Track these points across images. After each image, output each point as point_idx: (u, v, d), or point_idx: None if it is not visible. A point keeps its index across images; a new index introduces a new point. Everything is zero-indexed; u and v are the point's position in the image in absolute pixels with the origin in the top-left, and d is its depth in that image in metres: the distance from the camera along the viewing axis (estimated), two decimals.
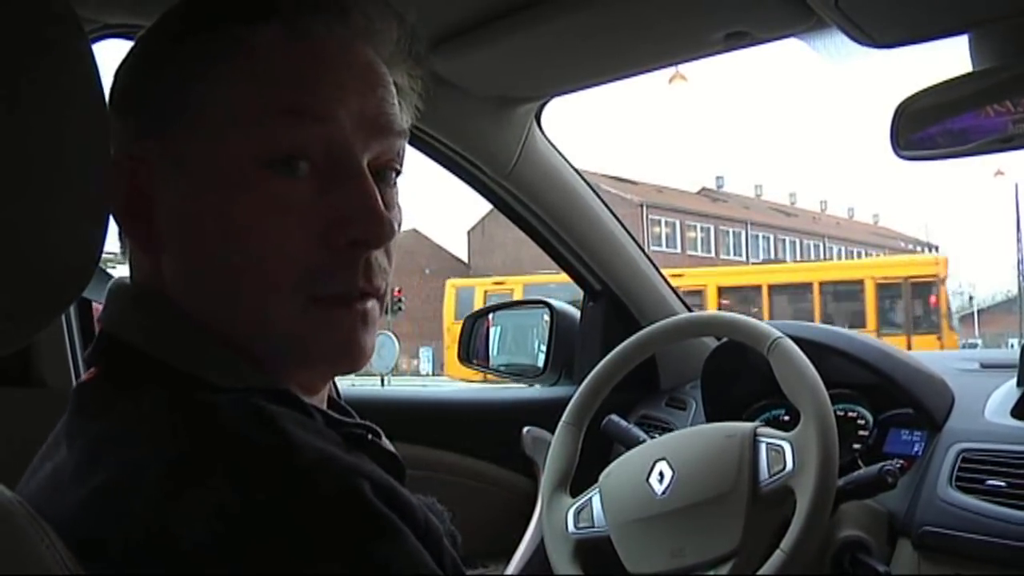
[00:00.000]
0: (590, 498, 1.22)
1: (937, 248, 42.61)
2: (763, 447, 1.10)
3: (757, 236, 35.11)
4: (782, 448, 1.08)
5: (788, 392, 1.13)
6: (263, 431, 0.54)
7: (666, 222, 32.03)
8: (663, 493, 1.13)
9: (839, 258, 37.82)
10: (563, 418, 1.32)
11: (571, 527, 1.21)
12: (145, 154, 0.61)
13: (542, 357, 1.83)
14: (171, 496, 0.51)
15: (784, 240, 36.13)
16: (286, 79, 0.59)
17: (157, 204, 0.61)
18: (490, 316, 1.95)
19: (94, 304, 1.37)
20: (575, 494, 1.26)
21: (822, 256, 36.89)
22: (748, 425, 1.14)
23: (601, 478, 1.23)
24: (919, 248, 41.67)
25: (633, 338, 1.33)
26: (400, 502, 0.55)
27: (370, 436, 0.63)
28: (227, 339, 0.61)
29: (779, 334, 1.16)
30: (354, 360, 0.62)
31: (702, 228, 33.30)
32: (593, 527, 1.20)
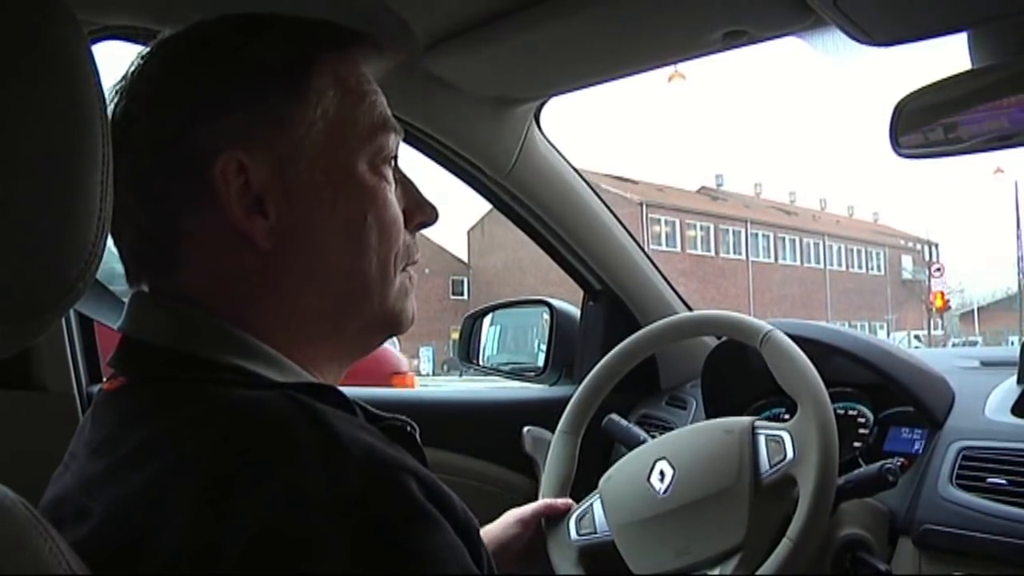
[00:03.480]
0: (591, 504, 1.21)
1: (937, 246, 42.56)
2: (762, 439, 1.10)
3: (757, 234, 35.10)
4: (781, 438, 1.08)
5: (783, 383, 1.13)
6: (307, 425, 0.55)
7: (666, 221, 32.00)
8: (665, 492, 1.13)
9: (839, 256, 37.83)
10: (559, 427, 1.32)
11: (573, 534, 1.20)
12: (257, 155, 0.64)
13: (542, 356, 1.83)
14: (217, 489, 0.52)
15: (784, 238, 36.13)
16: (373, 100, 0.71)
17: (274, 200, 0.65)
18: (489, 315, 1.95)
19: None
20: (575, 500, 1.26)
21: (822, 255, 36.88)
22: (745, 419, 1.14)
23: (601, 483, 1.23)
24: (919, 246, 41.63)
25: (624, 344, 1.33)
26: (441, 496, 0.57)
27: (409, 429, 0.65)
28: (272, 335, 0.65)
29: (770, 327, 1.16)
30: (414, 318, 0.75)
31: (702, 227, 33.27)
32: (595, 533, 1.19)
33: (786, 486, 1.07)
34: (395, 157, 0.73)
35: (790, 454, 1.06)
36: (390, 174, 0.72)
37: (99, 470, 0.58)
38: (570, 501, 1.22)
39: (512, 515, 1.18)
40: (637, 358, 1.34)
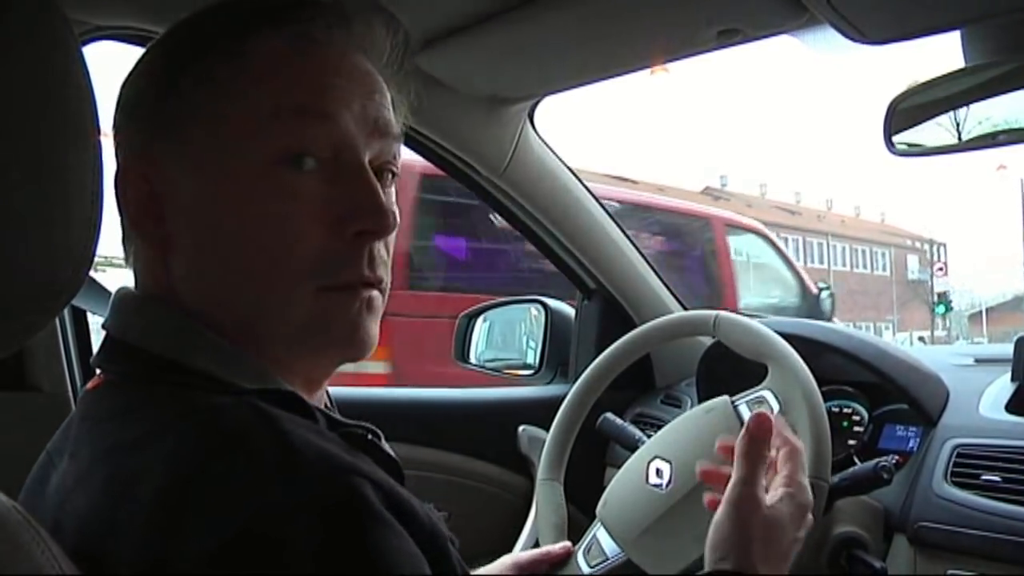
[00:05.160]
0: (594, 534, 1.20)
1: (944, 246, 42.40)
2: (743, 407, 1.13)
3: None
4: (763, 398, 1.11)
5: (747, 353, 1.16)
6: (263, 432, 0.54)
7: None
8: (667, 486, 1.13)
9: (844, 256, 37.70)
10: (539, 475, 1.32)
11: (584, 568, 1.18)
12: (156, 157, 0.64)
13: (531, 353, 1.84)
14: (173, 498, 0.51)
15: (787, 238, 35.94)
16: (292, 83, 0.63)
17: (167, 204, 0.63)
18: (483, 314, 1.95)
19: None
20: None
21: (826, 255, 36.79)
22: (721, 397, 1.16)
23: (599, 509, 1.22)
24: (925, 246, 41.50)
25: (574, 390, 1.34)
26: (401, 504, 0.56)
27: (370, 437, 0.64)
28: (236, 335, 0.63)
29: (716, 312, 1.19)
30: (361, 347, 0.65)
31: None
32: (607, 559, 1.17)
33: None
34: (345, 150, 0.64)
35: (776, 407, 1.09)
36: (308, 171, 0.62)
37: (71, 478, 0.58)
38: (568, 544, 1.21)
39: (508, 559, 1.16)
40: (587, 404, 1.34)
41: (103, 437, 0.58)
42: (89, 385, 0.66)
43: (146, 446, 0.55)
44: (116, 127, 0.66)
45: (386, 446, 0.65)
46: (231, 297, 0.63)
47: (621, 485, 1.21)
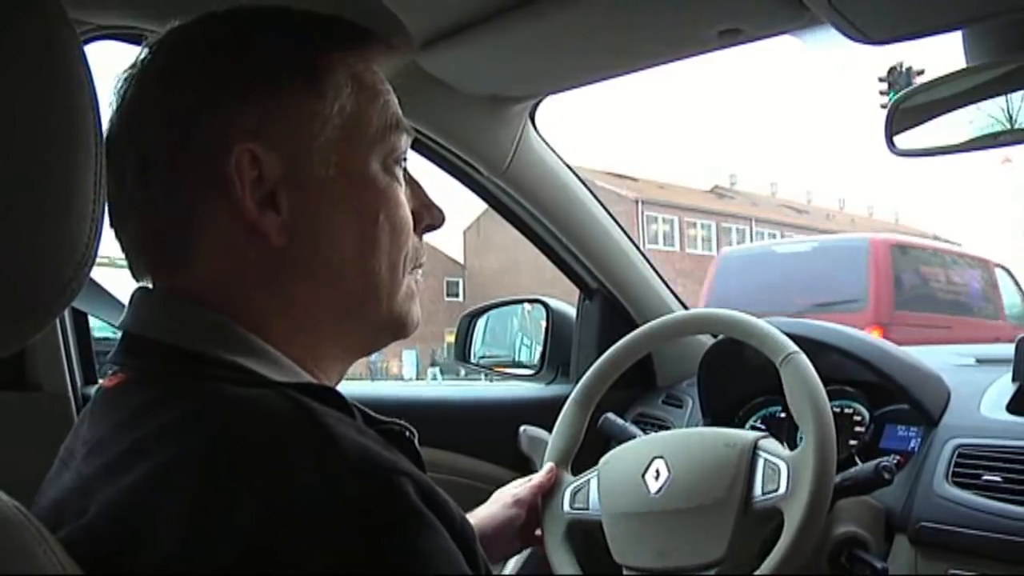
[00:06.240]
0: (588, 480, 1.22)
1: (960, 246, 41.96)
2: (760, 462, 1.10)
3: (763, 234, 34.55)
4: (779, 467, 1.08)
5: (794, 409, 1.12)
6: (306, 424, 0.55)
7: (664, 219, 31.59)
8: (657, 492, 1.13)
9: None
10: (572, 395, 1.32)
11: (567, 507, 1.21)
12: (271, 148, 0.64)
13: (525, 351, 1.83)
14: (213, 491, 0.51)
15: (793, 237, 35.54)
16: (388, 100, 0.71)
17: (280, 197, 0.64)
18: (484, 315, 1.95)
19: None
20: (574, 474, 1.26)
21: None
22: (750, 435, 1.13)
23: (600, 463, 1.23)
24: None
25: (649, 325, 1.34)
26: (438, 501, 0.57)
27: (408, 434, 0.65)
28: (320, 326, 0.68)
29: (794, 348, 1.14)
30: (417, 323, 0.74)
31: (703, 225, 32.65)
32: (588, 510, 1.20)
33: (773, 516, 1.07)
34: (405, 158, 0.73)
35: (783, 488, 1.06)
36: (401, 175, 0.72)
37: (95, 471, 0.58)
38: (552, 466, 1.24)
39: (507, 495, 1.18)
40: (658, 341, 1.35)
41: (133, 429, 0.58)
42: (107, 383, 0.65)
43: (182, 435, 0.55)
44: (210, 98, 0.64)
45: (417, 445, 0.66)
46: (339, 284, 0.68)
47: (623, 459, 1.21)
